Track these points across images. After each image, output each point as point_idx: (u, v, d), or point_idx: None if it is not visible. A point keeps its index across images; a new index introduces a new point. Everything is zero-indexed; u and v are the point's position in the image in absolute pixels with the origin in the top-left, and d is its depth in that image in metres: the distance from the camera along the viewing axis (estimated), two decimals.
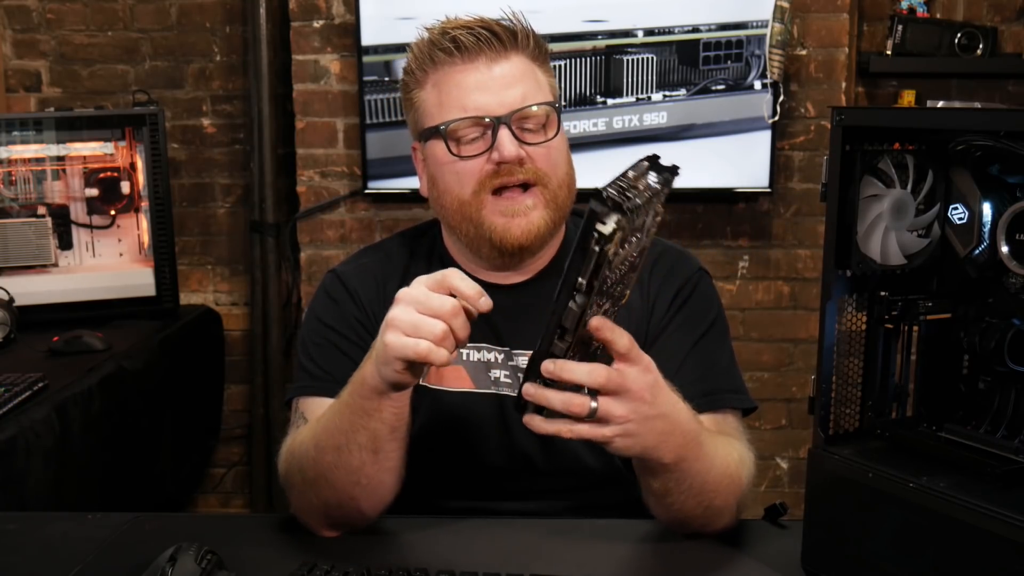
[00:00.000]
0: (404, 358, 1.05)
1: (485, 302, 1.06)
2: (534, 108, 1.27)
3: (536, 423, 1.02)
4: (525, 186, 1.28)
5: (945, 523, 0.94)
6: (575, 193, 1.35)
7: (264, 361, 3.08)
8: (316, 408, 1.29)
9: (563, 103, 2.63)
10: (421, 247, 1.43)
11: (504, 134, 1.25)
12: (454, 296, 1.06)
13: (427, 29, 1.31)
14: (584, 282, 0.91)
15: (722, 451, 1.18)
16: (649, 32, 2.67)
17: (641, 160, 0.94)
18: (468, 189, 1.28)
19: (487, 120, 1.26)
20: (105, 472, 2.17)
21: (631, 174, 0.91)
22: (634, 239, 0.92)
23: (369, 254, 1.45)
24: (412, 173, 2.78)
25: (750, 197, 2.82)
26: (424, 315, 1.04)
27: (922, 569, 0.97)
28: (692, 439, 1.11)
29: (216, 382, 3.09)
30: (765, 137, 2.70)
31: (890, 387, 1.10)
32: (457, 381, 1.34)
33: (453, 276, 1.07)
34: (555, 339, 0.97)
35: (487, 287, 1.37)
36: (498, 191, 1.28)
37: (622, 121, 2.71)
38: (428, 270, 1.39)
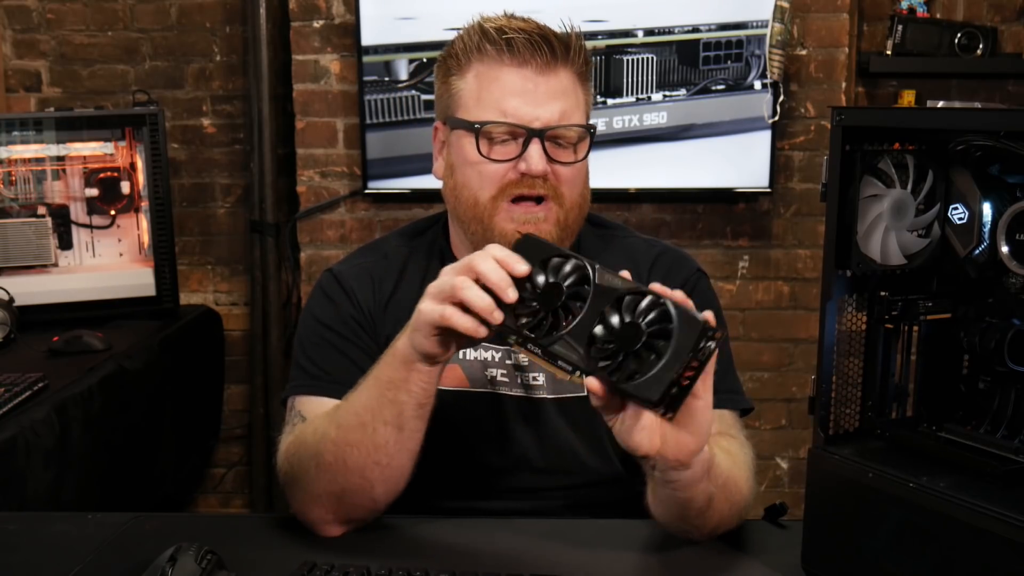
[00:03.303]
0: (432, 323, 1.05)
1: (512, 293, 1.03)
2: (570, 129, 1.28)
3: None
4: (540, 199, 1.28)
5: (945, 523, 0.94)
6: (586, 214, 1.35)
7: (264, 361, 3.08)
8: (314, 407, 1.29)
9: None
10: (421, 245, 1.43)
11: (535, 148, 1.26)
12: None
13: (483, 19, 1.30)
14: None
15: (723, 445, 1.19)
16: (649, 32, 2.67)
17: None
18: (487, 192, 1.28)
19: (522, 130, 1.26)
20: (105, 472, 2.17)
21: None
22: None
23: (366, 253, 1.44)
24: (412, 173, 2.82)
25: (750, 197, 2.82)
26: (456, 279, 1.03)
27: (922, 569, 0.97)
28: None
29: (216, 382, 3.09)
30: (765, 137, 2.70)
31: (890, 387, 1.10)
32: (453, 380, 1.33)
33: (481, 260, 1.04)
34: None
35: None
36: (515, 199, 1.28)
37: (622, 121, 2.70)
38: (427, 269, 1.39)
